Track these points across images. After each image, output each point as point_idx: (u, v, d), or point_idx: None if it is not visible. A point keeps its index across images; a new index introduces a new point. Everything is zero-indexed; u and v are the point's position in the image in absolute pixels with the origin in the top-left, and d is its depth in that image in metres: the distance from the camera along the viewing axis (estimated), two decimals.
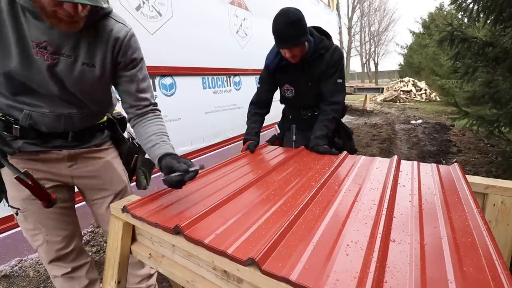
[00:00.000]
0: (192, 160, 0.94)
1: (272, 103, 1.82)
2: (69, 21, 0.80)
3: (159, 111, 1.15)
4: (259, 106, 1.76)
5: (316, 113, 1.67)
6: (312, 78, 1.57)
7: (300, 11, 1.40)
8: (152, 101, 1.12)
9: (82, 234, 2.16)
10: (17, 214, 1.00)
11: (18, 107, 0.92)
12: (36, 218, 1.03)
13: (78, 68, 0.92)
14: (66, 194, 1.11)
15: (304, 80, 1.59)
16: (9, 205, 1.02)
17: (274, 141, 1.82)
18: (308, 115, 1.72)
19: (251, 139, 1.57)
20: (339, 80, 1.55)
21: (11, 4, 0.79)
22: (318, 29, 1.61)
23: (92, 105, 1.04)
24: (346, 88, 1.99)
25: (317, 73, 1.55)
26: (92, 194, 1.17)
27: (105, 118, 1.18)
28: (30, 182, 0.89)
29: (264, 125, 1.82)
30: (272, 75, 1.67)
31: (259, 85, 1.76)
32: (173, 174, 0.85)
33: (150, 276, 1.35)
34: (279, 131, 1.90)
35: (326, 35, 1.60)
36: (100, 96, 1.07)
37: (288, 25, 1.35)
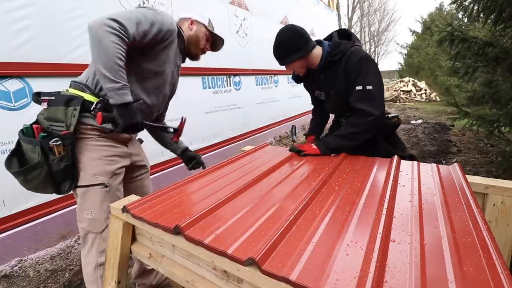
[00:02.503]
0: None
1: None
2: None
3: None
4: (315, 111, 1.81)
5: None
6: (333, 87, 1.45)
7: (293, 27, 1.37)
8: None
9: None
10: (106, 186, 1.12)
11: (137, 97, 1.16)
12: (115, 193, 1.17)
13: (177, 74, 1.38)
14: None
15: (326, 89, 1.51)
16: (83, 186, 1.10)
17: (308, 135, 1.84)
18: (343, 122, 1.57)
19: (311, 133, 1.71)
20: (359, 87, 1.32)
21: (178, 39, 1.24)
22: (344, 32, 1.47)
23: (166, 104, 1.49)
24: None
25: (336, 82, 1.41)
26: (136, 171, 1.37)
27: None
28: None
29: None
30: (301, 82, 1.66)
31: None
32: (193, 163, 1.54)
33: None
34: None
35: (348, 36, 1.44)
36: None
37: (276, 46, 1.38)
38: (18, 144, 1.06)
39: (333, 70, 1.41)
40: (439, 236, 0.65)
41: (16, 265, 1.83)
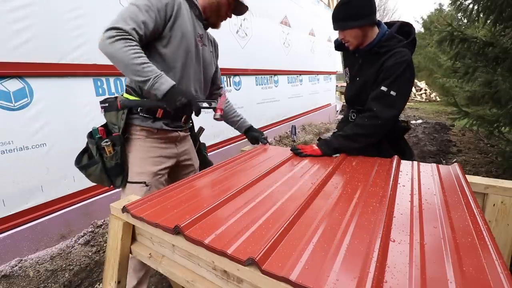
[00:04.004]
0: None
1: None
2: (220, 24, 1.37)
3: None
4: None
5: None
6: (361, 75, 1.39)
7: None
8: None
9: (82, 234, 2.15)
10: (146, 185, 1.21)
11: None
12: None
13: (208, 53, 1.37)
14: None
15: (354, 74, 1.44)
16: (128, 182, 1.21)
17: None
18: (353, 119, 1.50)
19: None
20: (383, 88, 1.25)
21: (189, 8, 1.23)
22: (406, 27, 1.36)
23: (205, 90, 1.43)
24: (344, 88, 1.83)
25: (367, 72, 1.35)
26: (183, 170, 1.43)
27: None
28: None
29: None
30: (340, 51, 1.58)
31: None
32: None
33: None
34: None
35: (407, 34, 1.33)
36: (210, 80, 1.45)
37: (342, 4, 1.27)
38: (87, 143, 1.21)
39: (371, 60, 1.34)
40: (439, 236, 0.65)
41: (16, 265, 1.83)
